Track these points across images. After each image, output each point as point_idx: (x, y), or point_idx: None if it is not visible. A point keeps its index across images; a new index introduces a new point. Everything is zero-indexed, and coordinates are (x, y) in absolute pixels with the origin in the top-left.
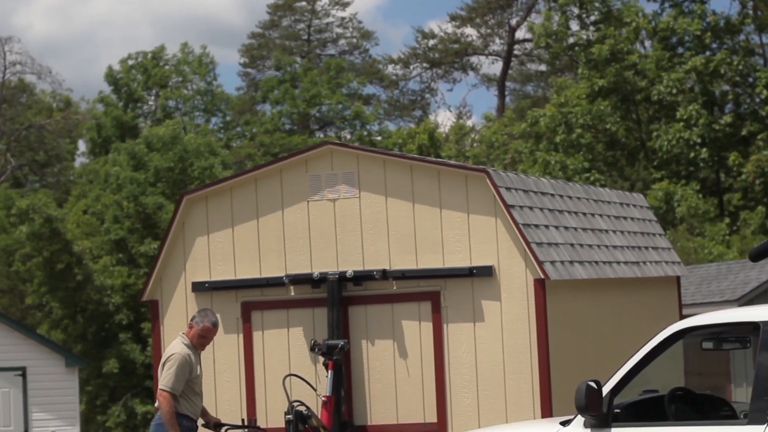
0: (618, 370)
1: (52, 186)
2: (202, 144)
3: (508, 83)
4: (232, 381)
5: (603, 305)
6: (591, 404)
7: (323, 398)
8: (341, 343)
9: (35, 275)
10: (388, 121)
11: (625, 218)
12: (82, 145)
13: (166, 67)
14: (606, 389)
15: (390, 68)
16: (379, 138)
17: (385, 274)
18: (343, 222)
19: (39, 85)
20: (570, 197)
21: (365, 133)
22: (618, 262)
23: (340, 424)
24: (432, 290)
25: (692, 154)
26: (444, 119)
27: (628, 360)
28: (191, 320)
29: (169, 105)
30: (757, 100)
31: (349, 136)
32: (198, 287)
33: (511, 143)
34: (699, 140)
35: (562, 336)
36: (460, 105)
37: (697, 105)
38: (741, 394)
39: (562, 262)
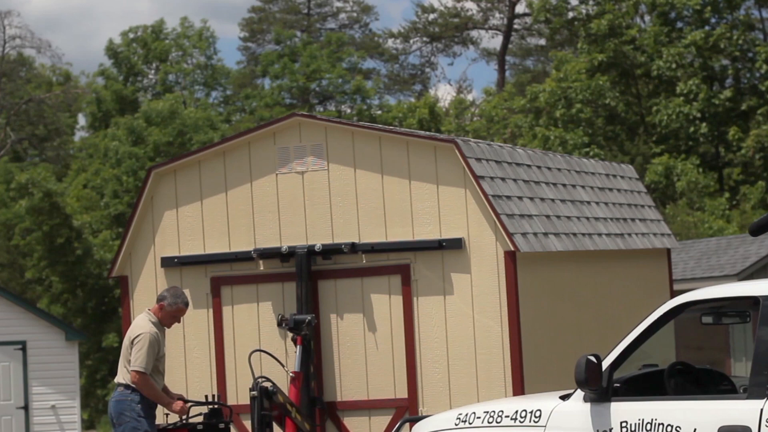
0: (618, 344)
1: (51, 160)
2: (201, 118)
3: (508, 57)
4: (202, 357)
5: (582, 279)
6: (590, 378)
7: (291, 374)
8: (308, 317)
9: (35, 249)
10: (388, 95)
11: (610, 189)
12: (81, 120)
13: (166, 41)
14: (605, 363)
15: (390, 42)
16: (379, 112)
17: (354, 248)
18: (312, 195)
19: (38, 59)
20: (549, 168)
21: (365, 107)
22: (599, 234)
23: (309, 400)
24: (402, 263)
25: (692, 129)
26: (444, 93)
27: (627, 334)
28: (161, 299)
29: (169, 79)
30: (757, 74)
31: (349, 111)
32: (167, 262)
33: (511, 118)
34: (699, 115)
35: (535, 310)
36: (460, 79)
37: (696, 80)
38: (740, 369)
39: (535, 234)
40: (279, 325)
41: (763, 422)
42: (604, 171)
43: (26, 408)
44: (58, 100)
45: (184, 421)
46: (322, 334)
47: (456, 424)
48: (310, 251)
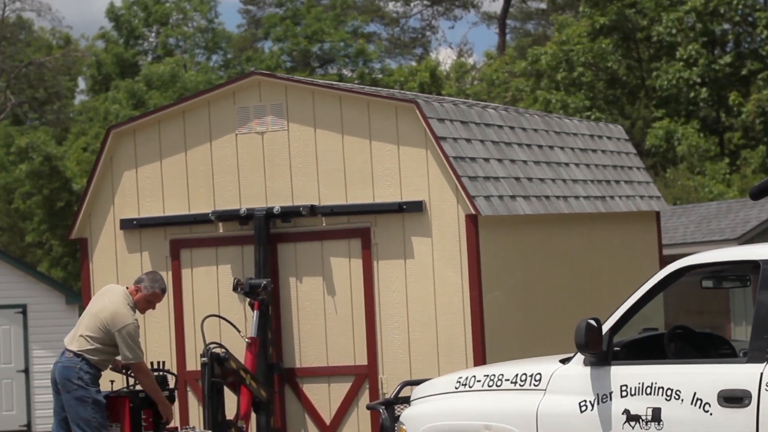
0: (618, 307)
1: (51, 123)
2: (202, 82)
3: (508, 21)
4: (162, 321)
5: (556, 243)
6: (590, 342)
7: (247, 340)
8: (264, 282)
9: (35, 213)
10: (389, 59)
11: (594, 151)
12: (81, 83)
13: (167, 4)
14: (605, 327)
15: (390, 5)
16: (380, 76)
17: (313, 210)
18: (272, 156)
19: (38, 22)
20: (524, 129)
21: (367, 71)
22: (577, 197)
23: (267, 367)
24: (362, 226)
25: (692, 94)
26: (445, 57)
27: (627, 298)
28: (138, 282)
29: (169, 42)
30: (758, 39)
31: (350, 74)
32: (126, 224)
33: (512, 81)
34: (699, 80)
35: (499, 275)
36: (461, 43)
37: (697, 45)
38: (741, 333)
39: (500, 196)
40: (234, 289)
41: (763, 386)
42: (588, 132)
43: (26, 371)
44: (58, 64)
45: (129, 389)
46: (282, 298)
47: (456, 388)
48: (269, 214)
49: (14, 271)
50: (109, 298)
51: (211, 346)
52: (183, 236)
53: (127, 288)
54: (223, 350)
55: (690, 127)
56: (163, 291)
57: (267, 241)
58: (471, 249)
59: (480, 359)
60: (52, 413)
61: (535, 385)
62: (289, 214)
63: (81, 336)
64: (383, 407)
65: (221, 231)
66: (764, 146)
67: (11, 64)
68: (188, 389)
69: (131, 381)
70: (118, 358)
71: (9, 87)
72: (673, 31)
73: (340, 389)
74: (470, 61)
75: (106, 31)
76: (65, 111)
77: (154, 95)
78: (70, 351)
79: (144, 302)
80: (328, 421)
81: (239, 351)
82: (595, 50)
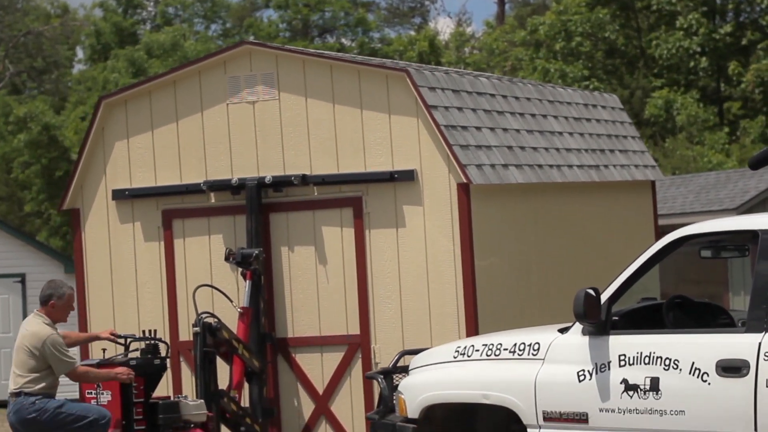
0: (616, 277)
1: (50, 93)
2: (202, 51)
3: None
4: (155, 292)
5: (548, 212)
6: (589, 311)
7: (239, 310)
8: (256, 252)
9: (34, 183)
10: (388, 28)
11: (588, 120)
12: (80, 53)
13: None
14: (604, 297)
15: None
16: (379, 45)
17: (305, 180)
18: (263, 125)
19: None
20: (517, 98)
21: (367, 40)
22: (570, 166)
23: (260, 336)
24: (353, 196)
25: (692, 63)
26: (443, 26)
27: (626, 267)
28: (47, 300)
29: (168, 11)
30: (758, 9)
31: (350, 43)
32: (118, 195)
33: (511, 50)
34: (699, 49)
35: (491, 244)
36: (460, 12)
37: (697, 14)
38: (739, 303)
39: (492, 165)
40: (226, 259)
41: (761, 356)
42: (583, 101)
43: None
44: (56, 33)
45: (121, 357)
46: (274, 268)
47: (455, 357)
48: (261, 183)
49: (13, 241)
50: (25, 328)
51: (204, 315)
52: (175, 206)
53: (36, 311)
54: (216, 320)
55: (689, 96)
56: (72, 289)
57: (259, 210)
58: (463, 218)
59: (472, 327)
60: None
61: (533, 354)
62: (281, 183)
63: (15, 374)
64: (381, 377)
65: (213, 201)
66: (763, 116)
67: (9, 33)
68: (181, 359)
69: (121, 349)
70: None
71: (7, 56)
72: (673, 0)
73: (332, 359)
74: (469, 30)
75: (104, 0)
76: (63, 80)
77: (154, 64)
78: (12, 394)
79: (64, 310)
80: (320, 391)
81: (231, 321)
82: (593, 20)
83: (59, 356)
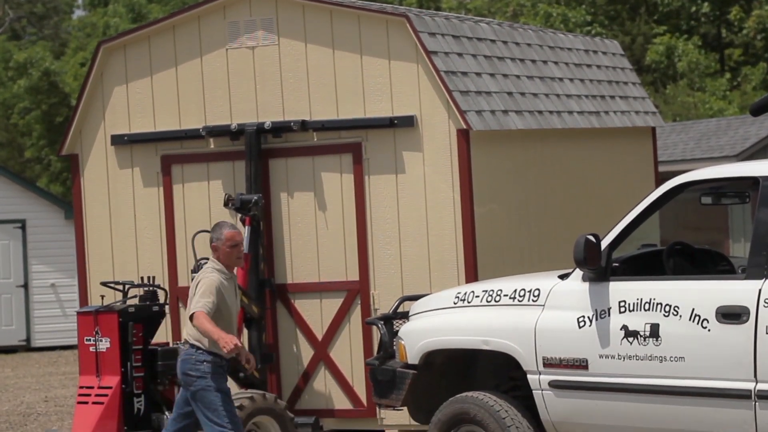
0: (617, 223)
1: (50, 38)
2: None
3: None
4: (153, 237)
5: (549, 158)
6: (589, 258)
7: None
8: (255, 197)
9: (34, 129)
10: None
11: (588, 66)
12: None
13: None
14: (604, 243)
15: None
16: None
17: (304, 125)
18: (262, 71)
19: None
20: (517, 43)
21: None
22: (570, 112)
23: (259, 283)
24: (353, 142)
25: (693, 9)
26: None
27: (626, 213)
28: (211, 243)
29: None
30: None
31: None
32: (117, 140)
33: None
34: None
35: (490, 190)
36: None
37: None
38: (739, 250)
39: (492, 111)
40: (225, 205)
41: (761, 302)
42: (583, 46)
43: (26, 286)
44: None
45: (120, 303)
46: (273, 214)
47: (455, 303)
48: (260, 129)
49: (13, 186)
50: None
51: (202, 261)
52: (174, 152)
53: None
54: None
55: (690, 43)
56: (232, 227)
57: (258, 156)
58: (462, 164)
59: (471, 273)
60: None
61: (533, 300)
62: (280, 129)
63: (184, 321)
64: (381, 322)
65: (212, 146)
66: (765, 63)
67: None
68: (179, 305)
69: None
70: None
71: (7, 2)
72: None
73: (331, 305)
74: None
75: None
76: (63, 26)
77: (153, 9)
78: (186, 342)
79: (226, 253)
80: (320, 337)
81: None
82: None
83: (196, 295)
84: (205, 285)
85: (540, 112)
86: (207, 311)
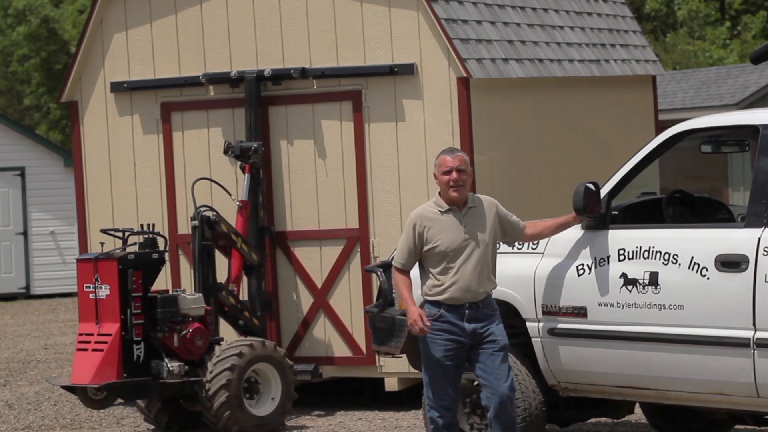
0: (616, 171)
1: None
2: None
3: None
4: (153, 185)
5: (549, 107)
6: (589, 206)
7: (238, 203)
8: (255, 145)
9: (33, 76)
10: None
11: (589, 14)
12: None
13: None
14: (604, 191)
15: None
16: None
17: (304, 73)
18: (262, 17)
19: None
20: None
21: None
22: (571, 60)
23: (258, 230)
24: (353, 89)
25: None
26: None
27: (626, 161)
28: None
29: None
30: None
31: None
32: (117, 87)
33: None
34: None
35: (491, 138)
36: None
37: None
38: (738, 198)
39: (493, 59)
40: (225, 152)
41: (761, 251)
42: None
43: (25, 234)
44: None
45: (119, 250)
46: (273, 162)
47: None
48: (260, 76)
49: (12, 134)
50: None
51: (202, 209)
52: (174, 99)
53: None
54: (214, 213)
55: None
56: (450, 151)
57: (258, 104)
58: (462, 112)
59: None
60: None
61: (532, 248)
62: (280, 76)
63: None
64: (381, 270)
65: (212, 94)
66: (765, 11)
67: None
68: (179, 252)
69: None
70: None
71: None
72: None
73: (331, 252)
74: None
75: None
76: None
77: None
78: None
79: (443, 183)
80: (319, 285)
81: (230, 214)
82: None
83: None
84: None
85: (540, 60)
86: None
